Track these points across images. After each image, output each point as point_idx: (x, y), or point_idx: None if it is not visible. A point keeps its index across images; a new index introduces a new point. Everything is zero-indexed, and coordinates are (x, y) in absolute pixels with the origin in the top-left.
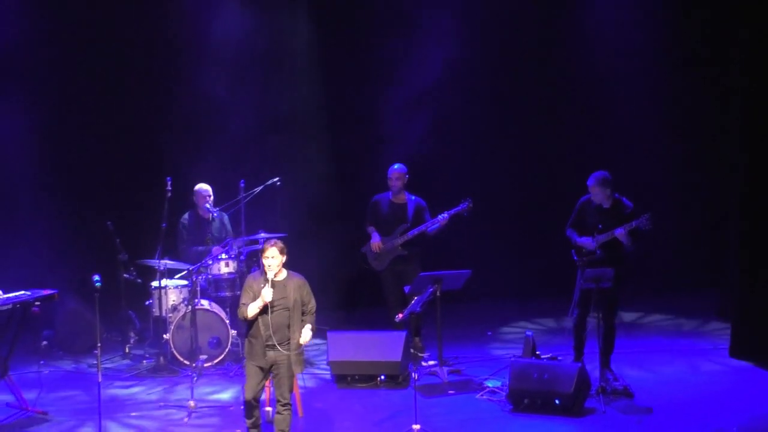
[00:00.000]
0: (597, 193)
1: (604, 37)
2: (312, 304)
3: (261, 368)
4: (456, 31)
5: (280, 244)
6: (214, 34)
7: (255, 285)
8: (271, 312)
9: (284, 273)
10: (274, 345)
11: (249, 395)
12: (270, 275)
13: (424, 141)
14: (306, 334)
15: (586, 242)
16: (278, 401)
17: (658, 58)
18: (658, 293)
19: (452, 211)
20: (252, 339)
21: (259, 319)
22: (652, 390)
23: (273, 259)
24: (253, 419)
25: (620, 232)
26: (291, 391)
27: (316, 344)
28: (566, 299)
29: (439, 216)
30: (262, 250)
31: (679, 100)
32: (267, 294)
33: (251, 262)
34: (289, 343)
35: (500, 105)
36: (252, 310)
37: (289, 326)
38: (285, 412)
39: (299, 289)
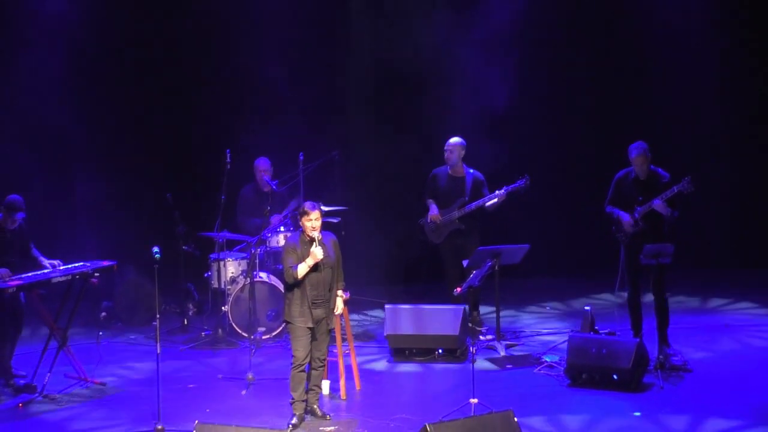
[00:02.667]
0: (640, 163)
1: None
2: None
3: (309, 328)
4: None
5: (318, 204)
6: (273, 6)
7: (297, 247)
8: (318, 270)
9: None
10: (320, 303)
11: (302, 357)
12: (316, 236)
13: (482, 114)
14: (339, 305)
15: (625, 218)
16: (316, 357)
17: (710, 27)
18: (714, 271)
19: (510, 188)
20: (297, 300)
21: (306, 279)
22: (710, 366)
23: (317, 221)
24: (300, 390)
25: (657, 203)
26: (327, 347)
27: (375, 317)
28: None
29: (497, 191)
30: (305, 213)
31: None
32: (318, 252)
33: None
34: (329, 301)
35: (561, 77)
36: (302, 269)
37: (331, 284)
38: (320, 368)
39: (335, 246)
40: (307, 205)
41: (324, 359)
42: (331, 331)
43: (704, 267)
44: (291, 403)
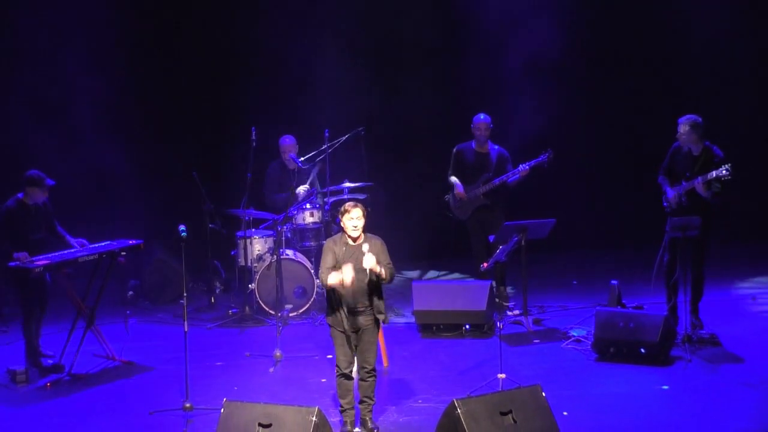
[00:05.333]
0: (685, 134)
1: None
2: (390, 263)
3: (348, 335)
4: None
5: (361, 204)
6: None
7: (336, 248)
8: (357, 276)
9: (362, 237)
10: (360, 311)
11: (344, 365)
12: (356, 234)
13: (508, 90)
14: (370, 259)
15: (670, 194)
16: (363, 368)
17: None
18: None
19: (532, 163)
20: (335, 306)
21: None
22: (738, 339)
23: (359, 219)
24: (349, 398)
25: (698, 182)
26: (375, 357)
27: (402, 293)
28: (651, 248)
29: (520, 166)
30: (345, 211)
31: None
32: (348, 276)
33: (335, 212)
34: (372, 308)
35: (587, 51)
36: (332, 279)
37: (373, 290)
38: (369, 379)
39: (379, 252)
40: (348, 203)
41: (371, 370)
42: (377, 343)
43: (733, 240)
44: (340, 411)
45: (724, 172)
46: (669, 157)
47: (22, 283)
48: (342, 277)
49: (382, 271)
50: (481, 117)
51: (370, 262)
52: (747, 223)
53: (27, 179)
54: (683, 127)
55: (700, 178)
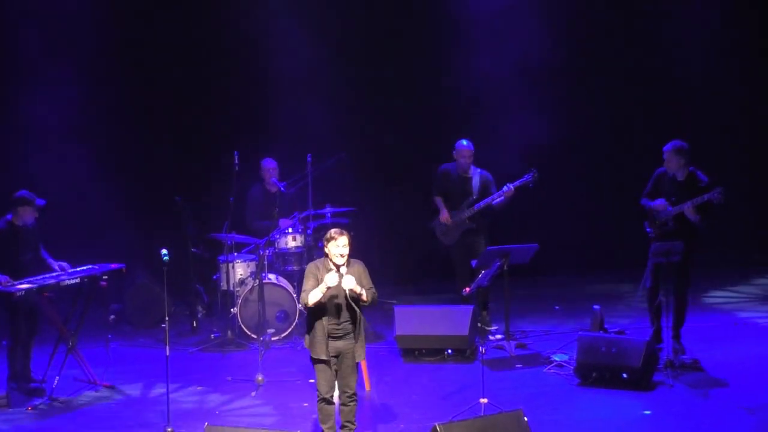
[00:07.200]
0: (671, 160)
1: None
2: (372, 287)
3: (328, 361)
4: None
5: (346, 231)
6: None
7: (319, 273)
8: (336, 301)
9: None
10: (340, 335)
11: (324, 390)
12: (341, 262)
13: (492, 113)
14: (349, 280)
15: (660, 204)
16: (344, 392)
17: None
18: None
19: (517, 183)
20: (315, 331)
21: (325, 308)
22: (722, 365)
23: (344, 247)
24: (330, 423)
25: (687, 207)
26: (356, 382)
27: (384, 317)
28: (634, 274)
29: (504, 187)
30: (330, 239)
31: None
32: (330, 279)
33: (318, 236)
34: (353, 333)
35: (570, 75)
36: (314, 296)
37: (353, 315)
38: (351, 404)
39: (360, 276)
40: (334, 230)
41: (352, 394)
42: (358, 365)
43: (714, 264)
44: None
45: (716, 195)
46: (653, 182)
47: (6, 307)
48: (324, 286)
49: (363, 293)
50: (464, 143)
51: (349, 282)
52: (729, 247)
53: (17, 199)
54: (669, 154)
55: (690, 202)
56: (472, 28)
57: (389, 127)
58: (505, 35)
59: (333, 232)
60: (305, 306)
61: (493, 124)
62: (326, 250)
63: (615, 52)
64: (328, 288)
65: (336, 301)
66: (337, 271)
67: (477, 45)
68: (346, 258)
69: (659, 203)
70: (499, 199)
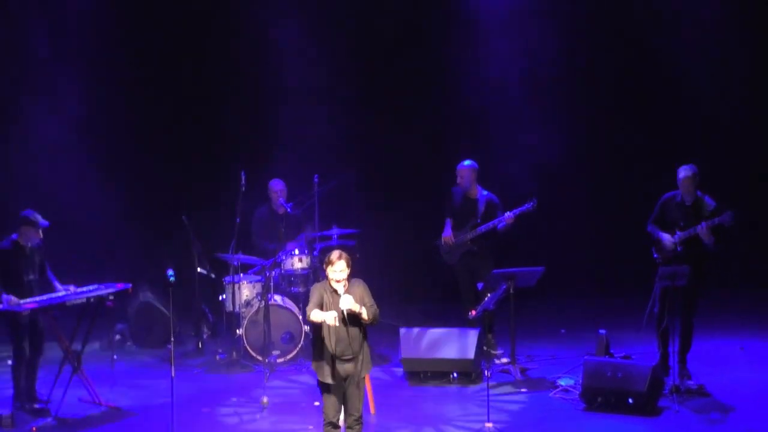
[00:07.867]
0: (687, 185)
1: (685, 29)
2: (374, 304)
3: (335, 385)
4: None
5: (345, 255)
6: (291, 26)
7: (324, 294)
8: (343, 324)
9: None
10: (347, 358)
11: (331, 414)
12: (339, 288)
13: (497, 136)
14: (347, 300)
15: (665, 238)
16: (350, 416)
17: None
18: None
19: (516, 211)
20: (319, 352)
21: (329, 334)
22: (728, 390)
23: (342, 272)
24: None
25: (702, 228)
26: (362, 405)
27: (389, 339)
28: (641, 298)
29: (505, 214)
30: (329, 262)
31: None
32: (330, 318)
33: (324, 258)
34: (358, 355)
35: (576, 97)
36: (315, 316)
37: (358, 337)
38: (356, 427)
39: (362, 295)
40: (333, 254)
41: (357, 418)
42: (364, 389)
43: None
44: None
45: (727, 219)
46: (659, 207)
47: (12, 326)
48: (324, 317)
49: (363, 312)
50: (465, 163)
51: (347, 302)
52: (735, 271)
53: (20, 219)
54: (686, 180)
55: (704, 224)
56: (480, 45)
57: (397, 148)
58: (515, 47)
59: (332, 255)
60: (309, 321)
61: (503, 143)
62: (325, 272)
63: (620, 79)
64: (327, 323)
65: (341, 326)
66: (339, 316)
67: (483, 72)
68: (343, 282)
69: (665, 238)
70: (501, 225)
